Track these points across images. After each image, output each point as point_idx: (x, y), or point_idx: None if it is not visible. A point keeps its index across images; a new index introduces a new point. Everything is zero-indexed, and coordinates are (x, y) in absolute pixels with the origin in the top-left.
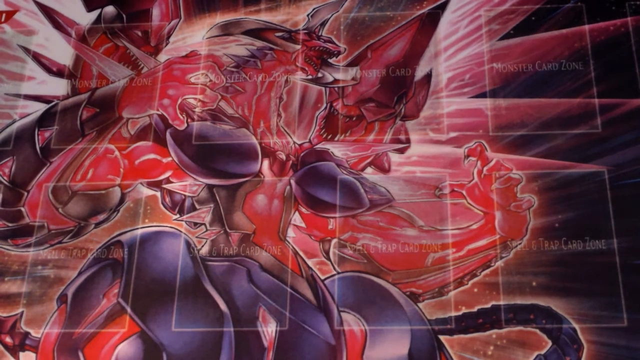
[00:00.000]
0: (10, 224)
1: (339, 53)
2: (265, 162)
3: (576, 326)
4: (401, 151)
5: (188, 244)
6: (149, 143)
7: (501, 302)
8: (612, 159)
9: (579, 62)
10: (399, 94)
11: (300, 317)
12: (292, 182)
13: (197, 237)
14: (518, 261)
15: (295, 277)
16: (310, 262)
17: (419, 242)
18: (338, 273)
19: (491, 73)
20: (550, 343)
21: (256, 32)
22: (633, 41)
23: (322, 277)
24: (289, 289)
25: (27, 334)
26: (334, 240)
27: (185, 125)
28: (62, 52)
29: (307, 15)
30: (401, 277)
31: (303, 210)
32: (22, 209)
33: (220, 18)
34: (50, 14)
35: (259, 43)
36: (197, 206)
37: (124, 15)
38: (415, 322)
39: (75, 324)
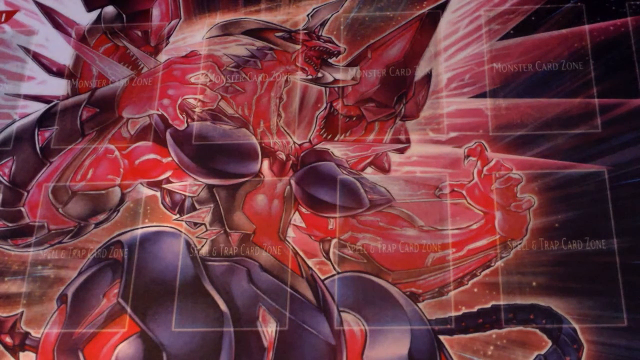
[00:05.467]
0: (10, 224)
1: (339, 53)
2: (265, 162)
3: (576, 326)
4: (401, 151)
5: (188, 244)
6: (149, 143)
7: (501, 302)
8: (612, 159)
9: (579, 62)
10: (399, 94)
11: (300, 317)
12: (292, 182)
13: (197, 237)
14: (518, 261)
15: (295, 277)
16: (310, 262)
17: (419, 242)
18: (338, 273)
19: (491, 73)
20: (550, 343)
21: (256, 32)
22: (633, 41)
23: (322, 277)
24: (289, 289)
25: (27, 334)
26: (334, 240)
27: (185, 125)
28: (62, 52)
29: (307, 15)
30: (401, 277)
31: (303, 210)
32: (22, 209)
33: (220, 18)
34: (50, 14)
35: (259, 43)
36: (197, 206)
37: (124, 15)
38: (415, 322)
39: (75, 324)
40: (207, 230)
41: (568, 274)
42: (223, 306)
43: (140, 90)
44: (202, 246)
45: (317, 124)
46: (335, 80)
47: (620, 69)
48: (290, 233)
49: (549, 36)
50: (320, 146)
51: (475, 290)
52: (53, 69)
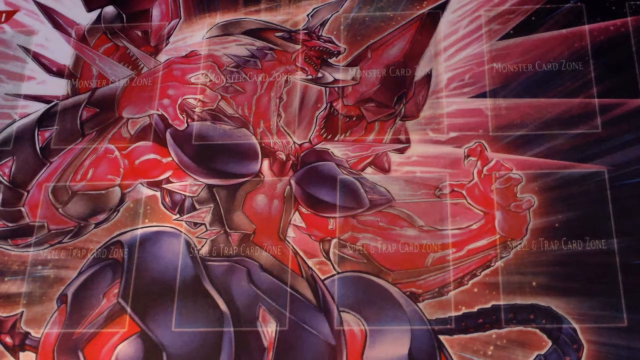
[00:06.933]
0: (10, 224)
1: (339, 53)
2: (265, 162)
3: (576, 326)
4: (401, 151)
5: (188, 244)
6: (149, 143)
7: (501, 302)
8: (612, 159)
9: (579, 62)
10: (399, 94)
11: (300, 317)
12: (292, 182)
13: (197, 237)
14: (518, 261)
15: (295, 277)
16: (310, 262)
17: (419, 242)
18: (338, 273)
19: (491, 73)
20: (550, 343)
21: (256, 32)
22: (633, 41)
23: (322, 277)
24: (289, 289)
25: (27, 334)
26: (334, 240)
27: (185, 125)
28: (62, 52)
29: (307, 16)
30: (401, 277)
31: (303, 210)
32: (22, 209)
33: (220, 18)
34: (50, 14)
35: (259, 43)
36: (197, 206)
37: (124, 15)
38: (415, 322)
39: (75, 324)
40: (207, 230)
41: (568, 274)
42: (223, 306)
43: (140, 90)
44: (202, 246)
45: (317, 124)
46: (335, 80)
47: (620, 69)
48: (290, 233)
49: (549, 36)
50: (320, 146)
51: (475, 290)
52: (53, 69)
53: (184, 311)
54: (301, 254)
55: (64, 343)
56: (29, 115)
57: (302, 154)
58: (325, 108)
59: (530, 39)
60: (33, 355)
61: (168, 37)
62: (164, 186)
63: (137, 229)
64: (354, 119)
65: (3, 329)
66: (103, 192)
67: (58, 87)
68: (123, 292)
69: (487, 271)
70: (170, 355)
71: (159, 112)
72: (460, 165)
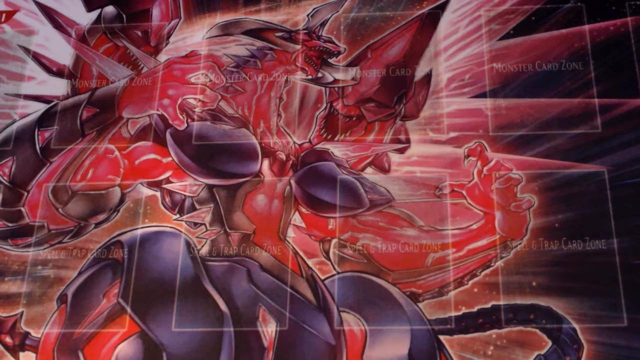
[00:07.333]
0: (10, 224)
1: (339, 53)
2: (265, 162)
3: (576, 326)
4: (401, 151)
5: (188, 244)
6: (149, 143)
7: (501, 302)
8: (612, 159)
9: (579, 62)
10: (399, 94)
11: (300, 317)
12: (292, 182)
13: (197, 237)
14: (518, 261)
15: (295, 277)
16: (310, 262)
17: (419, 242)
18: (338, 273)
19: (491, 73)
20: (550, 343)
21: (256, 32)
22: (633, 41)
23: (322, 277)
24: (289, 289)
25: (27, 334)
26: (334, 240)
27: (185, 125)
28: (62, 52)
29: (307, 15)
30: (401, 277)
31: (303, 210)
32: (22, 209)
33: (220, 18)
34: (50, 14)
35: (259, 43)
36: (197, 206)
37: (124, 15)
38: (415, 322)
39: (75, 324)
40: (207, 230)
41: (568, 274)
42: (223, 306)
43: (140, 90)
44: (202, 246)
45: (317, 124)
46: (335, 80)
47: (620, 69)
48: (290, 233)
49: (549, 36)
50: (320, 146)
51: (475, 290)
52: (53, 69)
53: (184, 311)
54: (301, 254)
55: (64, 343)
56: (29, 115)
57: (302, 154)
58: (325, 108)
59: (530, 39)
60: (33, 355)
61: (168, 37)
62: (164, 186)
63: (137, 229)
64: (354, 119)
65: (3, 329)
66: (103, 192)
67: (58, 87)
68: (123, 292)
69: (487, 271)
70: (170, 355)
71: (159, 112)
72: (460, 165)
